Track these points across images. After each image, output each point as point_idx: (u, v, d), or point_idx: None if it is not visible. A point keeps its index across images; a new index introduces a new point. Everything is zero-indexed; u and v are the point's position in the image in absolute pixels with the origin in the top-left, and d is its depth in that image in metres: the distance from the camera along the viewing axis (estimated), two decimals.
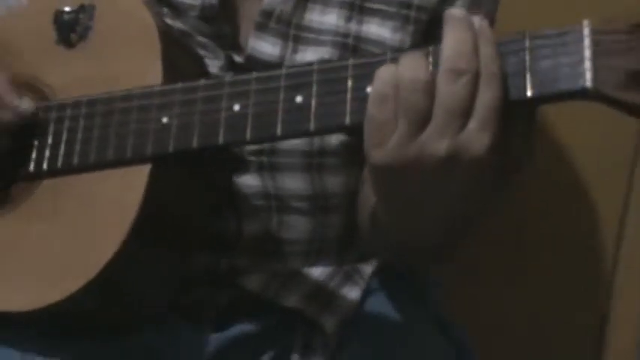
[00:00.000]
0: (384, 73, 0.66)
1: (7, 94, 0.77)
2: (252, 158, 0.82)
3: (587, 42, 0.64)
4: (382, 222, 0.75)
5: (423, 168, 0.66)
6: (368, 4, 0.84)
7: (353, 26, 0.83)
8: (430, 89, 0.65)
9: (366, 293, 0.89)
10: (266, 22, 0.83)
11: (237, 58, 0.83)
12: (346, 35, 0.83)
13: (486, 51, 0.65)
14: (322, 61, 0.72)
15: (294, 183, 0.84)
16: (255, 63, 0.82)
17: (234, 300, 0.85)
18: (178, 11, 0.83)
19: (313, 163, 0.84)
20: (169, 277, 0.79)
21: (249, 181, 0.83)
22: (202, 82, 0.74)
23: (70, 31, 0.80)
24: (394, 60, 0.68)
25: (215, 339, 0.84)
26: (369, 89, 0.67)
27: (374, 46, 0.84)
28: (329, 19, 0.83)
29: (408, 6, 0.84)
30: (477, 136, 0.64)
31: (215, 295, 0.84)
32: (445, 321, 0.92)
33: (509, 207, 1.10)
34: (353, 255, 0.89)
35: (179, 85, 0.74)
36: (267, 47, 0.83)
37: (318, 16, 0.83)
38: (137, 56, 0.77)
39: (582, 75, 0.63)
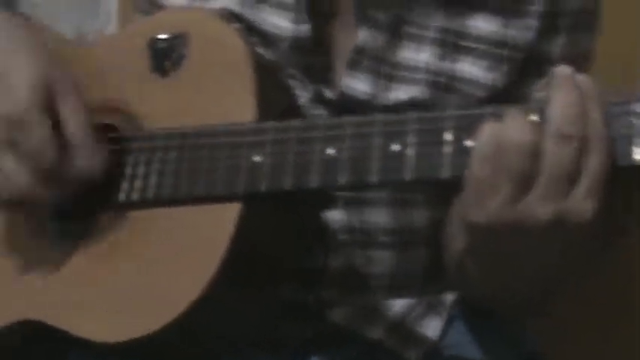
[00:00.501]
0: (489, 133, 0.66)
1: (86, 142, 0.76)
2: (339, 193, 0.82)
3: None
4: (471, 273, 0.75)
5: (523, 231, 0.65)
6: (462, 42, 0.82)
7: (446, 65, 0.82)
8: (536, 152, 0.65)
9: (448, 323, 0.88)
10: (359, 59, 0.82)
11: (328, 94, 0.83)
12: (439, 74, 0.82)
13: (594, 115, 0.65)
14: (420, 110, 0.72)
15: (379, 217, 0.84)
16: (347, 100, 0.82)
17: (317, 332, 0.84)
18: (269, 41, 0.82)
19: (399, 197, 0.83)
20: (253, 313, 0.79)
21: (335, 215, 0.83)
22: (296, 122, 0.74)
23: (164, 59, 0.80)
24: (495, 115, 0.67)
25: None
26: (468, 143, 0.67)
27: (467, 85, 0.83)
28: (422, 56, 0.82)
29: (503, 44, 0.83)
30: (582, 203, 0.64)
31: (299, 327, 0.84)
32: (528, 347, 0.91)
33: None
34: (437, 287, 0.88)
35: (271, 123, 0.74)
36: (359, 85, 0.82)
37: (412, 54, 0.82)
38: (230, 89, 0.77)
39: None
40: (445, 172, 0.68)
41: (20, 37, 0.79)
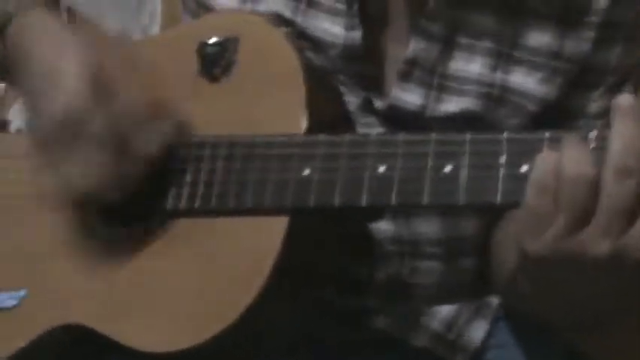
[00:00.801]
0: (546, 162, 0.65)
1: (149, 115, 0.74)
2: None
3: None
4: (520, 290, 0.74)
5: (579, 265, 0.65)
6: (515, 53, 0.81)
7: (498, 75, 0.82)
8: (595, 185, 0.64)
9: (494, 324, 0.88)
10: (410, 70, 0.81)
11: (378, 103, 0.82)
12: (491, 85, 0.82)
13: None
14: (475, 132, 0.71)
15: (427, 227, 0.84)
16: (397, 111, 0.82)
17: (361, 338, 0.85)
18: (320, 47, 0.82)
19: None
20: (298, 320, 0.79)
21: (383, 226, 0.83)
22: (348, 137, 0.73)
23: (213, 64, 0.79)
24: (553, 140, 0.66)
25: None
26: (523, 169, 0.66)
27: (519, 97, 0.82)
28: (474, 67, 0.82)
29: (558, 56, 0.81)
30: None
31: (343, 332, 0.85)
32: (571, 348, 0.91)
33: None
34: (483, 294, 0.89)
35: (323, 137, 0.73)
36: (410, 96, 0.82)
37: (464, 65, 0.82)
38: (281, 98, 0.76)
39: None
40: (499, 198, 0.67)
41: (64, 32, 0.78)
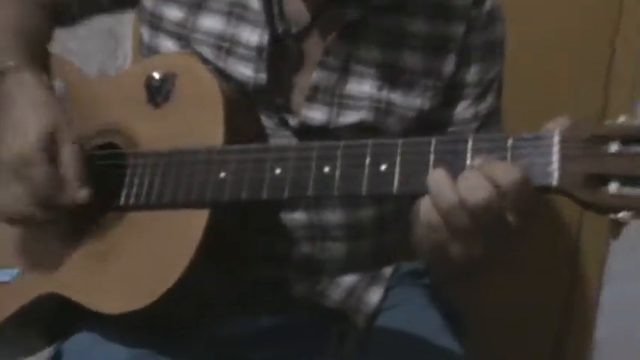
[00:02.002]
0: (442, 186, 0.67)
1: (74, 178, 0.82)
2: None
3: (555, 148, 0.68)
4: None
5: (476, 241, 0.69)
6: (396, 76, 0.88)
7: (384, 93, 0.88)
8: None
9: (387, 291, 0.96)
10: (314, 94, 0.88)
11: (292, 121, 0.88)
12: (379, 101, 0.88)
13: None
14: (406, 138, 0.73)
15: (333, 216, 0.91)
16: (307, 126, 0.88)
17: (285, 302, 0.92)
18: (236, 84, 0.88)
19: (351, 200, 0.90)
20: (229, 283, 0.87)
21: (297, 215, 0.90)
22: (252, 146, 0.79)
23: (156, 94, 0.86)
24: (476, 141, 0.69)
25: (268, 323, 0.92)
26: (382, 167, 0.72)
27: (401, 109, 0.89)
28: (365, 88, 0.88)
29: (428, 76, 0.88)
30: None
31: (268, 297, 0.91)
32: (448, 305, 0.98)
33: None
34: (379, 267, 0.97)
35: (235, 147, 0.80)
36: (316, 114, 0.88)
37: (357, 87, 0.88)
38: (206, 118, 0.83)
39: (550, 174, 0.67)
40: (364, 190, 0.72)
41: (36, 95, 0.85)
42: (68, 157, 0.83)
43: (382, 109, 0.88)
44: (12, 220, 0.84)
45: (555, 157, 0.68)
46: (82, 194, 0.83)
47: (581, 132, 0.68)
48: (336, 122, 0.88)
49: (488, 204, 0.65)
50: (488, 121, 0.91)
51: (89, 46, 1.32)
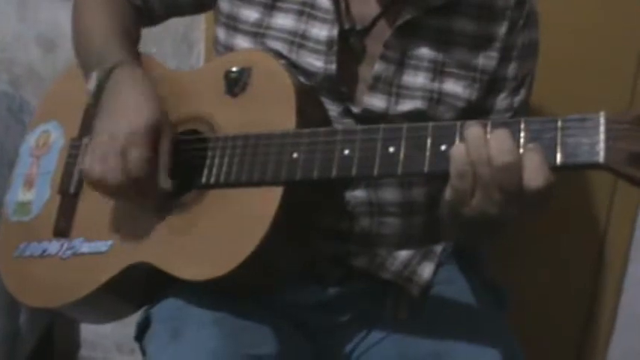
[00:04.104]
0: (457, 154, 0.70)
1: (163, 169, 0.83)
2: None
3: (602, 128, 0.69)
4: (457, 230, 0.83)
5: (487, 211, 0.71)
6: (446, 69, 0.88)
7: (436, 85, 0.89)
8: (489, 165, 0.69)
9: (438, 266, 0.96)
10: (376, 84, 0.88)
11: (354, 109, 0.88)
12: (431, 91, 0.89)
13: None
14: (410, 122, 0.76)
15: (389, 194, 0.91)
16: (368, 113, 0.88)
17: (346, 273, 0.92)
18: (307, 75, 0.88)
19: (404, 180, 0.91)
20: (299, 255, 0.87)
21: (358, 193, 0.90)
22: (322, 129, 0.80)
23: (234, 85, 0.87)
24: (463, 126, 0.72)
25: (333, 292, 0.93)
26: (442, 147, 0.73)
27: (451, 99, 0.88)
28: (419, 80, 0.89)
29: (474, 70, 0.89)
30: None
31: (333, 269, 0.92)
32: (489, 279, 0.99)
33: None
34: (430, 243, 0.97)
35: (307, 130, 0.80)
36: (377, 102, 0.89)
37: (412, 78, 0.89)
38: (279, 107, 0.83)
39: (597, 153, 0.68)
40: (426, 168, 0.73)
41: (145, 87, 0.86)
42: (165, 148, 0.84)
43: (434, 98, 0.89)
44: (106, 190, 0.83)
45: (602, 137, 0.68)
46: (166, 185, 0.84)
47: (625, 115, 0.68)
48: (395, 110, 0.88)
49: (509, 167, 0.68)
50: (520, 112, 0.91)
51: (165, 49, 1.31)
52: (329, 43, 0.87)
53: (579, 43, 1.21)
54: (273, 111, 0.84)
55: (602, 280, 1.33)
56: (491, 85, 0.90)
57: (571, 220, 1.29)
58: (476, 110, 0.90)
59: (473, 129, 0.70)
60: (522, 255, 1.29)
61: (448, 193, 0.72)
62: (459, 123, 0.73)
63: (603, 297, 1.33)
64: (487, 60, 0.89)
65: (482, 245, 0.95)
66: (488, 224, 0.73)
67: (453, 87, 0.89)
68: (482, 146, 0.69)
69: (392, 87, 0.88)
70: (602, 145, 0.67)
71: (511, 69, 0.90)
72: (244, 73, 0.87)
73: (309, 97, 0.86)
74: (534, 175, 0.68)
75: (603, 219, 1.30)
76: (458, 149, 0.70)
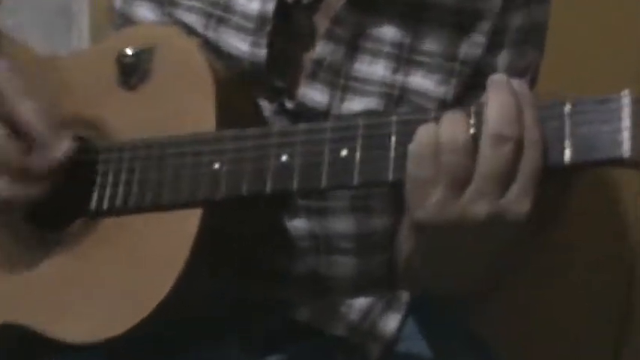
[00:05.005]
0: (424, 133, 0.71)
1: (45, 133, 0.81)
2: (301, 202, 0.88)
3: (626, 112, 0.68)
4: (417, 270, 0.82)
5: (463, 228, 0.71)
6: (415, 57, 0.88)
7: (399, 77, 0.88)
8: (470, 151, 0.70)
9: (405, 317, 0.96)
10: (317, 71, 0.88)
11: (288, 104, 0.88)
12: (392, 86, 0.88)
13: (529, 116, 0.70)
14: (367, 117, 0.76)
15: (340, 224, 0.90)
16: (304, 110, 0.88)
17: (283, 326, 0.91)
18: (229, 60, 0.88)
19: (360, 205, 0.90)
20: (221, 304, 0.86)
21: (298, 224, 0.89)
22: (252, 130, 0.79)
23: (131, 74, 0.86)
24: (437, 119, 0.72)
25: (264, 354, 0.91)
26: (410, 146, 0.72)
27: (418, 97, 0.89)
28: (377, 69, 0.88)
29: (453, 59, 0.89)
30: (517, 202, 0.70)
31: (266, 321, 0.91)
32: (472, 334, 1.00)
33: None
34: (395, 287, 0.96)
35: (230, 132, 0.79)
36: (316, 95, 0.88)
37: (367, 67, 0.88)
38: (192, 102, 0.82)
39: (621, 144, 0.68)
40: (390, 176, 0.73)
41: None
42: (27, 113, 0.80)
43: (395, 96, 0.89)
44: None
45: (626, 123, 0.68)
46: (62, 149, 0.80)
47: None
48: (340, 108, 0.88)
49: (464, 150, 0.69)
50: None
51: (33, 23, 1.28)
52: (260, 20, 0.87)
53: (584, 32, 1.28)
54: (184, 108, 0.84)
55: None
56: (475, 80, 0.89)
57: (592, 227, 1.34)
58: None
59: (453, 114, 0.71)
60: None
61: (405, 190, 0.73)
62: (432, 114, 0.73)
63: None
64: (471, 46, 0.89)
65: (452, 289, 0.92)
66: (455, 249, 0.74)
67: (422, 81, 0.89)
68: (461, 132, 0.70)
69: (338, 77, 0.88)
70: (626, 135, 0.67)
71: (503, 60, 0.91)
72: (144, 56, 0.86)
73: (234, 88, 0.86)
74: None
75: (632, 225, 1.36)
76: (426, 127, 0.71)
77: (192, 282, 0.79)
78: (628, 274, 1.38)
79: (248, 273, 0.87)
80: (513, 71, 0.90)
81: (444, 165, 0.70)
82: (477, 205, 0.70)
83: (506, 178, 0.70)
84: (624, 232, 1.36)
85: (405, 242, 0.84)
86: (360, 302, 0.94)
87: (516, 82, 0.72)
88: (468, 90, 0.90)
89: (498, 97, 0.70)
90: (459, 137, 0.70)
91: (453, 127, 0.70)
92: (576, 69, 1.28)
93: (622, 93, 0.69)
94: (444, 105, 0.89)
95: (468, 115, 0.72)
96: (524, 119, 0.70)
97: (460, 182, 0.70)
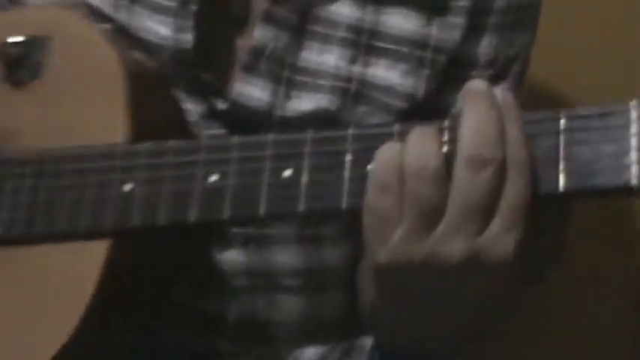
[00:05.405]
0: (386, 155, 0.69)
1: None
2: (237, 230, 0.86)
3: (634, 128, 0.66)
4: (381, 320, 0.79)
5: (432, 272, 0.69)
6: (376, 43, 0.87)
7: (357, 69, 0.87)
8: (442, 178, 0.67)
9: None
10: (255, 62, 0.86)
11: (220, 105, 0.87)
12: (348, 79, 0.87)
13: (515, 133, 0.67)
14: (316, 130, 0.75)
15: (284, 257, 0.88)
16: (241, 110, 0.86)
17: None
18: (148, 50, 0.86)
19: (307, 234, 0.88)
20: (133, 357, 0.84)
21: (232, 256, 0.87)
22: (173, 143, 0.78)
23: (18, 67, 0.83)
24: (402, 134, 0.70)
25: None
26: (370, 167, 0.71)
27: (381, 92, 0.87)
28: (329, 59, 0.87)
29: (424, 46, 0.87)
30: (501, 239, 0.67)
31: None
32: None
33: None
34: (353, 332, 0.94)
35: (146, 145, 0.78)
36: (255, 91, 0.87)
37: (317, 56, 0.87)
38: (99, 104, 0.80)
39: (628, 169, 0.65)
40: (344, 203, 0.71)
41: None
42: None
43: (352, 91, 0.87)
44: None
45: (635, 142, 0.66)
46: None
47: None
48: (284, 108, 0.87)
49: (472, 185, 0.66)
50: None
51: None
52: None
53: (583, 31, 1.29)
54: (86, 112, 0.81)
55: None
56: (453, 72, 0.89)
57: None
58: (422, 116, 0.87)
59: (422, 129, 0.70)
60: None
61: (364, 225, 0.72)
62: (397, 127, 0.72)
63: None
64: (445, 29, 0.88)
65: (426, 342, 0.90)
66: (426, 295, 0.72)
67: (386, 73, 0.87)
68: (430, 154, 0.68)
69: (282, 69, 0.87)
70: (634, 157, 0.66)
71: (485, 47, 0.89)
72: (35, 47, 0.83)
73: (151, 87, 0.84)
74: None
75: None
76: (388, 148, 0.69)
77: (94, 331, 0.77)
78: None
79: (168, 318, 0.86)
80: (499, 61, 0.91)
81: (409, 195, 0.68)
82: (450, 243, 0.68)
83: (486, 210, 0.67)
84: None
85: (366, 285, 0.81)
86: (310, 353, 0.92)
87: (499, 92, 0.70)
88: (444, 84, 0.89)
89: (476, 112, 0.68)
90: (429, 162, 0.67)
91: (421, 147, 0.68)
92: (576, 69, 1.30)
93: (630, 104, 0.67)
94: (413, 102, 0.88)
95: (441, 131, 0.70)
96: (507, 137, 0.67)
97: (430, 216, 0.68)
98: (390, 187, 0.68)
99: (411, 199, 0.67)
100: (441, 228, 0.67)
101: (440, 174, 0.67)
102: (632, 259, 1.37)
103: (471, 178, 0.66)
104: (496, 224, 0.67)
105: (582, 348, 1.37)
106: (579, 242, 1.18)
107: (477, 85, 0.70)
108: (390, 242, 0.68)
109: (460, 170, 0.67)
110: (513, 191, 0.67)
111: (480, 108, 0.68)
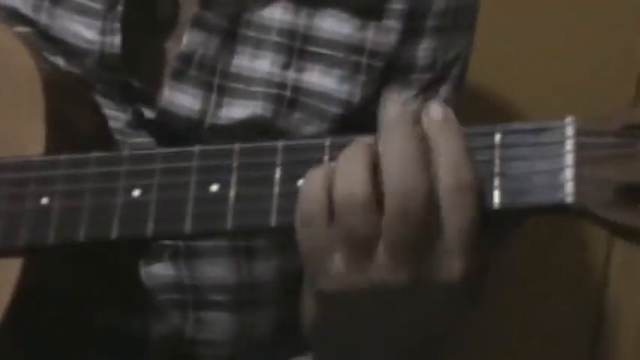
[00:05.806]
0: (313, 184, 0.67)
1: None
2: (164, 241, 0.86)
3: (569, 145, 0.66)
4: (323, 338, 0.78)
5: (380, 297, 0.67)
6: (310, 48, 0.89)
7: (291, 74, 0.89)
8: (372, 207, 0.65)
9: None
10: (185, 68, 0.87)
11: (148, 114, 0.87)
12: (282, 86, 0.88)
13: (443, 159, 0.65)
14: (245, 142, 0.74)
15: (215, 271, 0.89)
16: (170, 119, 0.87)
17: None
18: (71, 54, 0.87)
19: (240, 246, 0.88)
20: None
21: (159, 269, 0.88)
22: (96, 155, 0.77)
23: None
24: (334, 147, 0.70)
25: None
26: (300, 182, 0.70)
27: (316, 99, 0.89)
28: (262, 65, 0.88)
29: (359, 50, 0.89)
30: (445, 262, 0.66)
31: None
32: None
33: None
34: (287, 352, 0.93)
35: (64, 157, 0.77)
36: (185, 99, 0.87)
37: (249, 62, 0.88)
38: (13, 113, 0.80)
39: (562, 187, 0.66)
40: (273, 220, 0.71)
41: None
42: None
43: (287, 98, 0.89)
44: None
45: (570, 160, 0.66)
46: None
47: (608, 123, 0.67)
48: (215, 116, 0.88)
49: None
50: None
51: None
52: None
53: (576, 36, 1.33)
54: (3, 122, 0.80)
55: None
56: (389, 77, 0.90)
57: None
58: (360, 123, 0.89)
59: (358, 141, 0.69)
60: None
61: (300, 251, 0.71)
62: (328, 141, 0.72)
63: None
64: (381, 33, 0.89)
65: None
66: (373, 319, 0.71)
67: (320, 79, 0.89)
68: (359, 182, 0.66)
69: (213, 76, 0.88)
70: (569, 174, 0.66)
71: (423, 50, 0.91)
72: None
73: (73, 95, 0.85)
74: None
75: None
76: (315, 174, 0.68)
77: (10, 351, 0.77)
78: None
79: (90, 340, 0.85)
80: (438, 64, 0.93)
81: (340, 224, 0.66)
82: (393, 271, 0.66)
83: (424, 236, 0.66)
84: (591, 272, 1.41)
85: (307, 303, 0.78)
86: None
87: (432, 109, 0.68)
88: (382, 90, 0.90)
89: (393, 144, 0.66)
90: (356, 189, 0.65)
91: (349, 173, 0.66)
92: (574, 69, 1.32)
93: (566, 120, 0.67)
94: (349, 109, 0.90)
95: (376, 143, 0.68)
96: (436, 162, 0.66)
97: (366, 244, 0.66)
98: (316, 218, 0.67)
99: (342, 228, 0.66)
100: (380, 256, 0.66)
101: (369, 203, 0.65)
102: (591, 256, 1.39)
103: (401, 211, 0.65)
104: (439, 247, 0.66)
105: (540, 346, 1.39)
106: (538, 241, 1.24)
107: (394, 112, 0.71)
108: (330, 271, 0.67)
109: (389, 201, 0.65)
110: (452, 215, 0.65)
111: (396, 139, 0.66)
